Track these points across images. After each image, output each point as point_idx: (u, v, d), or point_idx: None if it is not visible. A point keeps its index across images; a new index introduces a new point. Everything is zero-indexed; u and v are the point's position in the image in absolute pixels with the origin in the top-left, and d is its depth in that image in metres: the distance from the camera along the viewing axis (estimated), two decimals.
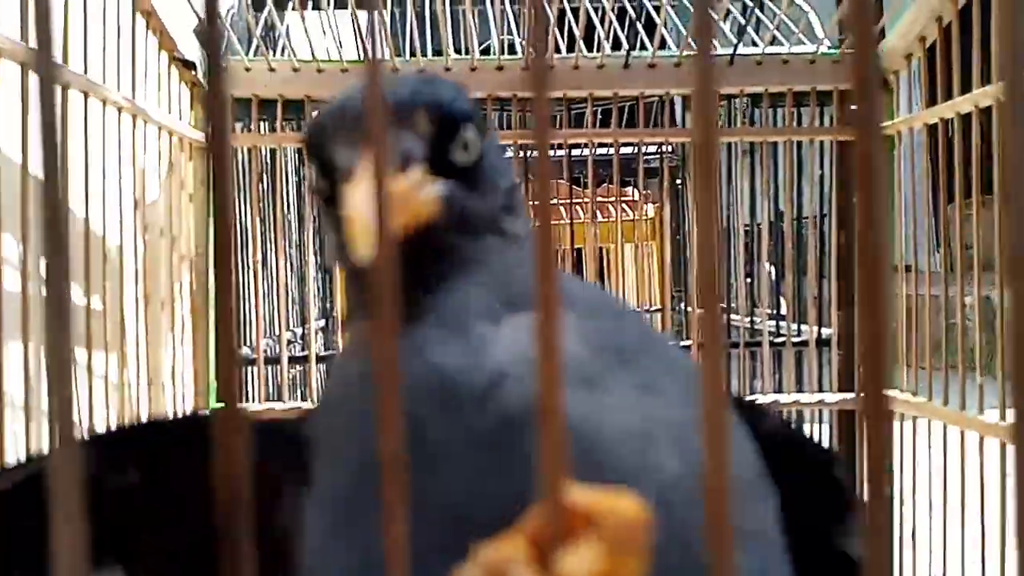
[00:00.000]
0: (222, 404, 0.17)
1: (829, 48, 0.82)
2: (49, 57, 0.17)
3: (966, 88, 0.69)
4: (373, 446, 0.17)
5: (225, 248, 0.18)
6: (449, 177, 0.31)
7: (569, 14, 0.87)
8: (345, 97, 0.33)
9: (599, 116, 0.99)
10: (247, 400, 0.86)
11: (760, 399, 0.82)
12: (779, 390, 0.84)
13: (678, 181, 1.20)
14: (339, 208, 0.30)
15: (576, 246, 1.10)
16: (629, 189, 1.27)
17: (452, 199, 0.31)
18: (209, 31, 0.17)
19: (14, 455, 0.56)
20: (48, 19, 0.16)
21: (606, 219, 1.13)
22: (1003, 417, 0.64)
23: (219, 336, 0.17)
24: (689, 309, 1.03)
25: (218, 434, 0.16)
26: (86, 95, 0.62)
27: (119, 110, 0.67)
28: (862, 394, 0.17)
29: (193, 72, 0.80)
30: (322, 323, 1.20)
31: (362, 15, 0.90)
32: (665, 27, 0.82)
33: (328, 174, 0.32)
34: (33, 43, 0.17)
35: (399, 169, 0.29)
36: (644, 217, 1.22)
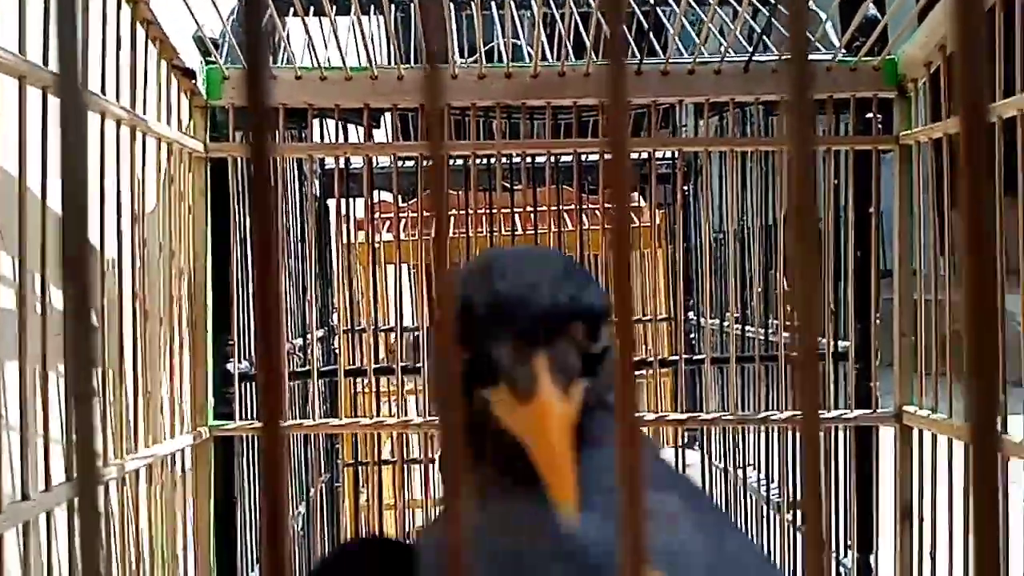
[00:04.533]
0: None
1: (845, 56, 0.80)
2: (75, 84, 0.15)
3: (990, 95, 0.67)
4: None
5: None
6: (587, 369, 0.34)
7: (579, 21, 0.85)
8: (500, 284, 0.35)
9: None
10: (245, 418, 0.84)
11: (776, 416, 0.80)
12: (796, 407, 0.82)
13: (685, 188, 1.18)
14: (504, 413, 0.33)
15: (594, 253, 1.09)
16: (634, 195, 1.25)
17: (591, 391, 0.34)
18: (251, 42, 0.15)
19: (9, 482, 0.54)
20: (75, 46, 0.15)
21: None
22: None
23: (261, 358, 0.15)
24: (702, 320, 1.01)
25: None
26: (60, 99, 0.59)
27: (118, 122, 0.64)
28: (973, 436, 0.15)
29: (193, 81, 0.77)
30: (321, 333, 1.18)
31: (365, 21, 0.88)
32: (679, 37, 0.80)
33: (483, 361, 0.34)
34: (56, 68, 0.15)
35: (565, 386, 0.33)
36: (650, 224, 1.20)
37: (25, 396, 0.54)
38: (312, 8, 0.85)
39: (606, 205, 0.88)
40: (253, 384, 0.83)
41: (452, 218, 1.20)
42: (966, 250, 0.15)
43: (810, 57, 0.76)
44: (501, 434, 0.34)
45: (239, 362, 0.83)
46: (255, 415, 0.83)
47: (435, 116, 0.16)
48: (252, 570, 0.85)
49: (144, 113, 0.68)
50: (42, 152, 0.55)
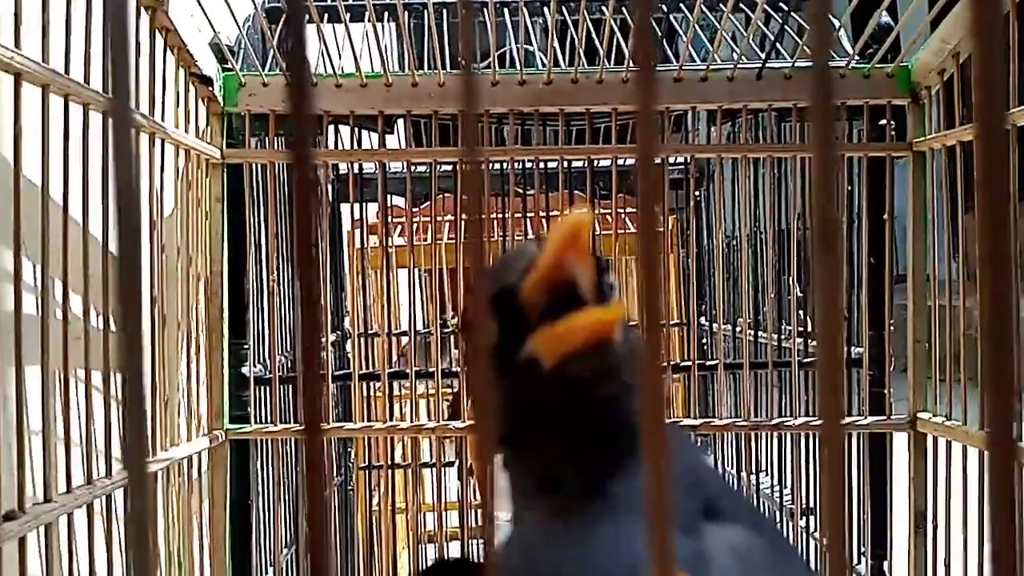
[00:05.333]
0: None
1: (859, 63, 0.81)
2: (127, 110, 0.15)
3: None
4: None
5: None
6: None
7: (591, 27, 0.85)
8: (515, 256, 0.36)
9: (595, 129, 0.97)
10: (260, 422, 0.84)
11: (790, 422, 0.80)
12: (810, 413, 0.82)
13: (697, 194, 1.18)
14: (544, 343, 0.34)
15: (606, 257, 1.09)
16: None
17: (626, 325, 0.34)
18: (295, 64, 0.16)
19: (31, 484, 0.55)
20: (127, 70, 0.15)
21: (624, 231, 1.12)
22: None
23: (305, 360, 0.16)
24: (714, 326, 1.01)
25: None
26: (105, 116, 0.60)
27: (137, 129, 0.65)
28: (989, 434, 0.15)
29: (210, 88, 0.78)
30: (334, 337, 1.19)
31: (378, 28, 0.88)
32: (692, 44, 0.80)
33: (519, 322, 0.34)
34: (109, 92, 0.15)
35: (599, 300, 0.34)
36: (662, 229, 1.21)
37: (47, 400, 0.54)
38: (327, 15, 0.86)
39: (619, 210, 0.88)
40: (267, 388, 0.84)
41: (464, 223, 1.21)
42: (983, 259, 0.15)
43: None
44: (546, 400, 0.34)
45: (254, 366, 0.83)
46: (269, 419, 0.84)
47: (470, 121, 0.16)
48: (267, 572, 0.86)
49: (163, 119, 0.69)
50: (64, 161, 0.56)
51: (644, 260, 0.18)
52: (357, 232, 1.18)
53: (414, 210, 1.15)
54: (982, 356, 0.15)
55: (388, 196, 1.33)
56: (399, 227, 1.30)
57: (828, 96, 0.16)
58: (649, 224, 0.17)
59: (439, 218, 1.19)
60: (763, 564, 0.34)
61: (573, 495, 0.34)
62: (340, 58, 0.86)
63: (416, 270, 1.30)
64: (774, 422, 0.81)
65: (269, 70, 0.83)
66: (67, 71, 0.55)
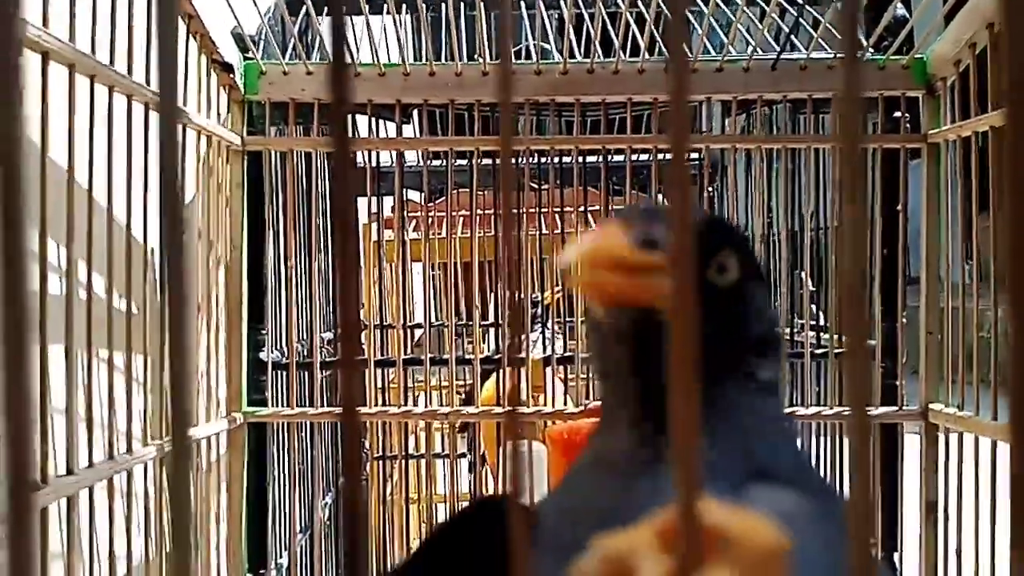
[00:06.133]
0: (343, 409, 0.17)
1: (873, 55, 0.81)
2: (173, 101, 0.16)
3: None
4: None
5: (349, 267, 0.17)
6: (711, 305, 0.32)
7: (607, 20, 0.86)
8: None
9: (613, 120, 0.97)
10: (279, 405, 0.85)
11: (801, 412, 0.81)
12: (821, 403, 0.82)
13: (711, 188, 1.18)
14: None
15: None
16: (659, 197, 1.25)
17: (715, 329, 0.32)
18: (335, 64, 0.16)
19: (53, 463, 0.56)
20: (174, 64, 0.16)
21: None
22: None
23: (343, 346, 0.17)
24: None
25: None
26: (130, 98, 0.61)
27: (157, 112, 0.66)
28: (1016, 423, 0.16)
29: (231, 75, 0.79)
30: None
31: (398, 19, 0.89)
32: (707, 36, 0.80)
33: None
34: (155, 86, 0.16)
35: (643, 247, 0.32)
36: None
37: (71, 379, 0.55)
38: (346, 7, 0.87)
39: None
40: (285, 373, 0.85)
41: (479, 217, 1.21)
42: (1008, 248, 0.15)
43: (838, 55, 0.77)
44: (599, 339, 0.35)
45: (271, 351, 0.84)
46: (287, 403, 0.85)
47: (506, 112, 0.17)
48: (281, 556, 0.87)
49: (185, 105, 0.70)
50: (89, 143, 0.57)
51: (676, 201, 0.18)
52: (373, 225, 1.19)
53: (429, 205, 1.16)
54: (1000, 346, 0.15)
55: (404, 190, 1.34)
56: (414, 221, 1.31)
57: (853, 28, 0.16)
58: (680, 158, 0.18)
59: (454, 213, 1.19)
60: (807, 531, 0.33)
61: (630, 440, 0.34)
62: (358, 48, 0.87)
63: (431, 264, 1.31)
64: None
65: (289, 59, 0.84)
66: (93, 51, 0.56)
